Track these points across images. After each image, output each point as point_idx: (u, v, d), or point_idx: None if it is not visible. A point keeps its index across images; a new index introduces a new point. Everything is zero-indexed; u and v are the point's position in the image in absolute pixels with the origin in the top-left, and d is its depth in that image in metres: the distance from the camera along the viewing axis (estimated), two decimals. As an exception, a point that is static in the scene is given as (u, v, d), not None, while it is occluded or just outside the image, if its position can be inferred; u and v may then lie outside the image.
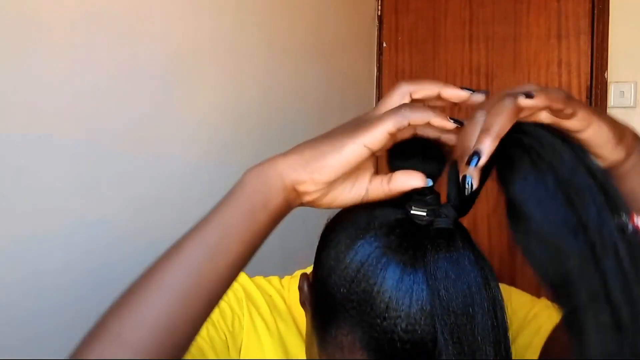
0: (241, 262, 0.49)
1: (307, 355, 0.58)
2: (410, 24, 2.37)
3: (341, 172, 0.47)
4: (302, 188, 0.48)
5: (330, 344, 0.50)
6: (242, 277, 0.71)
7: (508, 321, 0.53)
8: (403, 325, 0.45)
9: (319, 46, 1.98)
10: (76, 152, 1.23)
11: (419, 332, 0.45)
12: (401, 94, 0.51)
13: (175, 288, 0.46)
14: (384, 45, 2.41)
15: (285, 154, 0.49)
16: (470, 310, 0.45)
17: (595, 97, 2.03)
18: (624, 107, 1.98)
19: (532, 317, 0.64)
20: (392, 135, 0.47)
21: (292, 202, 0.49)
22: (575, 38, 2.06)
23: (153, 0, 1.40)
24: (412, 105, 0.48)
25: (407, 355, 0.46)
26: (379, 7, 2.41)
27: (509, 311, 0.64)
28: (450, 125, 0.48)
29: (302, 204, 0.51)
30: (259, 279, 0.73)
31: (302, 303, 0.58)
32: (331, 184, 0.48)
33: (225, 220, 0.48)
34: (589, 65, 2.04)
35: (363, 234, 0.49)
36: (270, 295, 0.71)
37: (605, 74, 2.01)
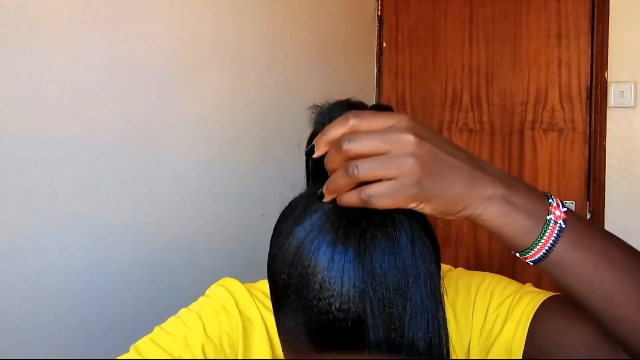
0: None
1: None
2: (410, 24, 2.37)
3: None
4: None
5: (283, 331, 0.50)
6: (234, 283, 0.69)
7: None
8: (337, 305, 0.46)
9: (319, 46, 1.98)
10: (76, 152, 1.23)
11: (353, 310, 0.45)
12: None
13: None
14: (384, 45, 2.41)
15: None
16: (403, 286, 0.46)
17: (595, 97, 2.03)
18: (624, 107, 1.98)
19: (513, 307, 0.64)
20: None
21: None
22: (575, 38, 2.06)
23: (153, 0, 1.39)
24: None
25: (345, 334, 0.46)
26: (379, 7, 2.41)
27: (494, 304, 0.64)
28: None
29: None
30: (252, 285, 0.71)
31: None
32: None
33: None
34: (589, 65, 2.04)
35: (300, 220, 0.50)
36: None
37: (605, 74, 2.01)
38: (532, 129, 2.15)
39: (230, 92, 1.60)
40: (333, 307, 0.46)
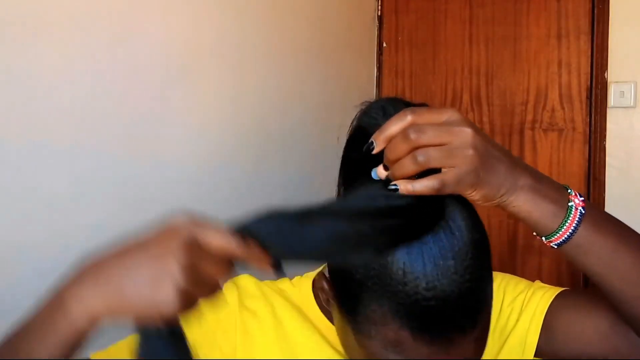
0: None
1: (345, 350, 0.59)
2: (410, 24, 2.37)
3: None
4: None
5: (363, 324, 0.52)
6: (246, 279, 0.71)
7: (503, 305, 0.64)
8: (424, 285, 0.49)
9: (319, 46, 1.98)
10: (75, 155, 1.23)
11: (439, 286, 0.49)
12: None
13: None
14: (384, 45, 2.41)
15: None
16: (474, 258, 0.52)
17: (595, 97, 2.03)
18: (624, 107, 1.98)
19: (527, 301, 0.68)
20: None
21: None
22: (575, 38, 2.06)
23: (153, 0, 1.39)
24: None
25: (436, 311, 0.49)
26: (379, 7, 2.41)
27: (507, 299, 0.66)
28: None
29: None
30: (269, 282, 0.73)
31: (326, 301, 0.60)
32: None
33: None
34: (589, 65, 2.04)
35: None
36: (283, 290, 0.72)
37: (605, 74, 2.01)
38: (532, 129, 2.15)
39: (230, 93, 1.60)
40: (420, 288, 0.49)
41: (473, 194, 0.51)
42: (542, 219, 0.54)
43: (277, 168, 1.74)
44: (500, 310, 0.69)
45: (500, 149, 0.53)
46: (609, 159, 1.99)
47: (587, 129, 2.05)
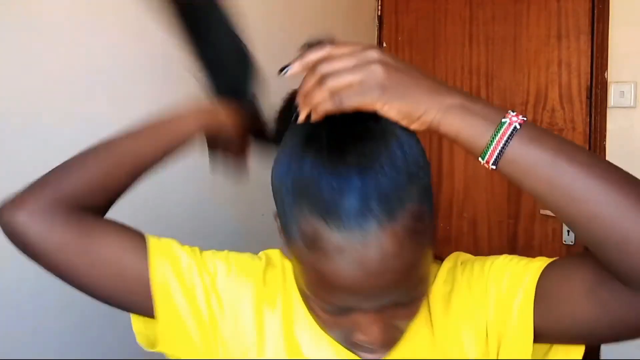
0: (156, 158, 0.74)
1: (295, 281, 0.59)
2: (410, 24, 2.37)
3: None
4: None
5: (290, 229, 0.54)
6: (275, 252, 0.72)
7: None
8: (334, 179, 0.52)
9: (319, 46, 1.98)
10: (76, 151, 1.23)
11: (350, 181, 0.51)
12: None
13: (106, 159, 0.70)
14: (384, 45, 2.41)
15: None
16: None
17: (595, 97, 2.03)
18: (624, 107, 1.98)
19: (525, 265, 0.64)
20: None
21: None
22: (575, 38, 2.06)
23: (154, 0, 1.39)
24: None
25: (348, 200, 0.50)
26: (379, 7, 2.41)
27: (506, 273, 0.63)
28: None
29: None
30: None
31: (279, 229, 0.60)
32: None
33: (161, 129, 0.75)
34: (589, 65, 2.04)
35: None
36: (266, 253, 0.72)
37: (605, 74, 2.01)
38: (532, 129, 2.14)
39: (230, 92, 1.60)
40: (333, 183, 0.52)
41: (386, 108, 0.52)
42: (472, 136, 0.52)
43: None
44: (499, 287, 0.64)
45: (425, 74, 0.54)
46: (609, 159, 1.99)
47: (587, 129, 2.05)
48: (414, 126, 0.53)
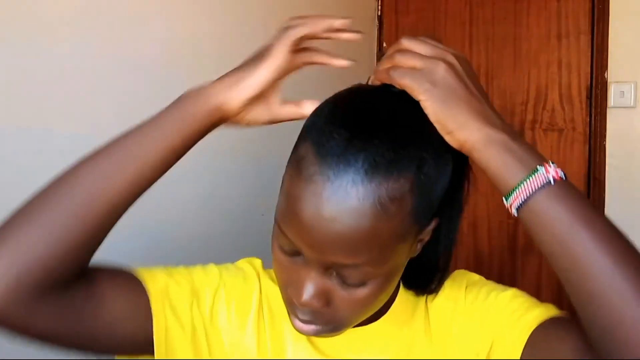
0: (150, 173, 0.59)
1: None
2: (410, 24, 2.37)
3: (259, 90, 0.61)
4: (226, 107, 0.60)
5: (289, 160, 0.57)
6: (257, 261, 0.72)
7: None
8: (345, 128, 0.54)
9: (318, 46, 1.98)
10: (77, 152, 1.23)
11: (359, 133, 0.52)
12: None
13: (86, 185, 0.57)
14: (384, 45, 2.41)
15: (220, 78, 0.62)
16: None
17: (595, 97, 2.03)
18: (624, 107, 1.98)
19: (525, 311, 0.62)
20: (293, 52, 0.66)
21: (216, 122, 0.62)
22: (575, 38, 2.06)
23: (154, 0, 1.40)
24: (300, 18, 0.63)
25: (341, 144, 0.52)
26: (379, 7, 2.41)
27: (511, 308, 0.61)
28: (338, 24, 0.69)
29: (227, 123, 0.64)
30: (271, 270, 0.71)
31: None
32: (250, 105, 0.62)
33: (150, 132, 0.61)
34: (589, 65, 2.04)
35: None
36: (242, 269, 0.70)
37: (605, 74, 2.01)
38: (532, 129, 2.15)
39: (230, 92, 1.60)
40: (339, 127, 0.54)
41: (427, 104, 0.53)
42: (502, 174, 0.51)
43: (277, 167, 1.73)
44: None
45: (485, 98, 0.54)
46: (609, 159, 1.99)
47: (587, 129, 2.05)
48: (446, 138, 0.53)
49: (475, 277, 0.69)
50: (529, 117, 2.14)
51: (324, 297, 0.54)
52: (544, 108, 2.13)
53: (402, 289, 0.66)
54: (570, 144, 2.07)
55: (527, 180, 0.50)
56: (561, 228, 0.50)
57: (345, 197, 0.50)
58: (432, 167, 0.53)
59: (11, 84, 1.13)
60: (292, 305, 0.57)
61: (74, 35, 1.23)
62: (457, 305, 0.65)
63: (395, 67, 0.55)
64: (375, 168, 0.50)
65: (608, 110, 2.01)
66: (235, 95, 0.60)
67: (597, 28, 2.02)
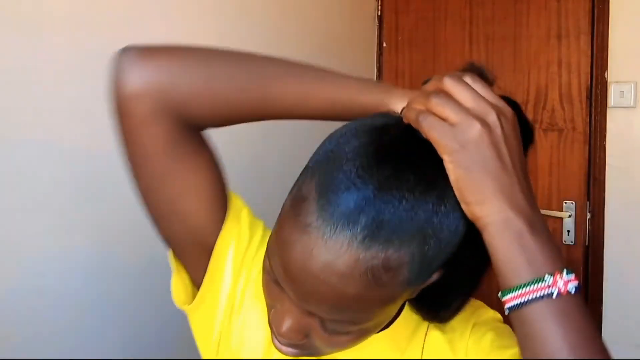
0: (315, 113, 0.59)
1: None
2: (410, 24, 2.37)
3: None
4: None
5: (291, 191, 0.53)
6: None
7: None
8: (356, 171, 0.48)
9: (319, 46, 1.98)
10: (76, 152, 1.23)
11: (366, 186, 0.48)
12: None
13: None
14: (384, 45, 2.41)
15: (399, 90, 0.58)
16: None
17: (595, 97, 2.03)
18: (624, 107, 1.98)
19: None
20: None
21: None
22: (575, 38, 2.06)
23: (154, 1, 1.40)
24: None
25: (346, 199, 0.48)
26: (379, 7, 2.41)
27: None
28: None
29: None
30: None
31: None
32: None
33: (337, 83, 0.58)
34: (589, 65, 2.04)
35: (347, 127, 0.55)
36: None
37: (605, 74, 2.01)
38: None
39: (230, 92, 1.60)
40: (353, 172, 0.49)
41: (450, 166, 0.47)
42: (505, 268, 0.47)
43: (277, 166, 1.74)
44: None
45: (514, 172, 0.48)
46: (609, 159, 1.99)
47: (587, 129, 2.05)
48: (462, 205, 0.48)
49: (489, 314, 0.64)
50: (529, 117, 2.13)
51: (303, 332, 0.53)
52: (544, 108, 2.13)
53: (406, 308, 0.63)
54: (570, 144, 2.07)
55: (528, 286, 0.46)
56: (546, 348, 0.45)
57: (335, 260, 0.46)
58: (441, 234, 0.49)
59: (11, 84, 1.13)
60: (269, 321, 0.56)
61: (74, 35, 1.23)
62: (457, 342, 0.61)
63: (426, 114, 0.49)
64: (376, 233, 0.46)
65: (608, 110, 2.01)
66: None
67: (597, 28, 2.02)
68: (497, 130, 0.48)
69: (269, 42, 1.75)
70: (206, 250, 0.65)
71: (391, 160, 0.48)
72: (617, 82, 1.98)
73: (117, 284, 1.32)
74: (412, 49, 2.37)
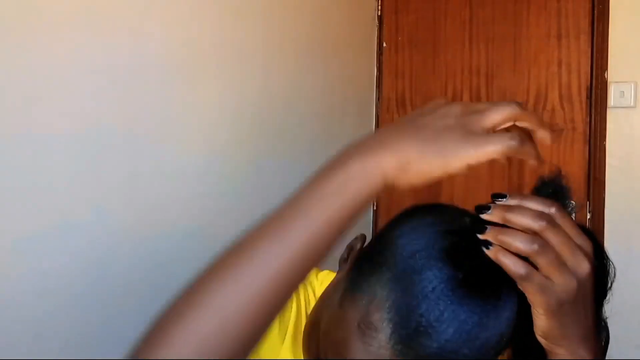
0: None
1: (315, 312, 0.58)
2: (410, 24, 2.37)
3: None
4: (394, 185, 0.46)
5: (355, 299, 0.50)
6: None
7: None
8: (434, 336, 0.47)
9: (319, 46, 1.98)
10: (76, 152, 1.23)
11: (448, 350, 0.46)
12: (509, 116, 0.48)
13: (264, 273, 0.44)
14: (384, 45, 2.41)
15: (391, 148, 0.45)
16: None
17: (595, 97, 2.03)
18: (624, 107, 1.98)
19: None
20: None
21: (380, 193, 0.47)
22: (575, 38, 2.06)
23: (154, 0, 1.40)
24: (522, 137, 0.47)
25: (425, 353, 0.47)
26: (379, 7, 2.41)
27: None
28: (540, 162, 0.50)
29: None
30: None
31: (343, 259, 0.59)
32: None
33: (330, 206, 0.44)
34: (589, 65, 2.04)
35: (424, 229, 0.51)
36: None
37: (605, 74, 2.01)
38: (532, 129, 2.14)
39: (230, 92, 1.60)
40: (430, 319, 0.48)
41: (540, 312, 0.48)
42: None
43: (277, 166, 1.74)
44: None
45: (588, 315, 0.50)
46: (609, 159, 1.99)
47: (587, 129, 2.05)
48: (541, 341, 0.50)
49: None
50: (529, 117, 2.14)
51: None
52: (544, 108, 2.13)
53: None
54: (570, 144, 2.07)
55: None
56: None
57: None
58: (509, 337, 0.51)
59: (9, 86, 1.13)
60: None
61: (73, 36, 1.23)
62: None
63: (534, 274, 0.47)
64: None
65: (608, 110, 2.01)
66: (406, 180, 0.45)
67: (597, 28, 2.02)
68: (588, 284, 0.48)
69: (268, 42, 1.74)
70: None
71: (477, 297, 0.48)
72: (617, 82, 1.98)
73: (117, 283, 1.32)
74: (412, 49, 2.37)
